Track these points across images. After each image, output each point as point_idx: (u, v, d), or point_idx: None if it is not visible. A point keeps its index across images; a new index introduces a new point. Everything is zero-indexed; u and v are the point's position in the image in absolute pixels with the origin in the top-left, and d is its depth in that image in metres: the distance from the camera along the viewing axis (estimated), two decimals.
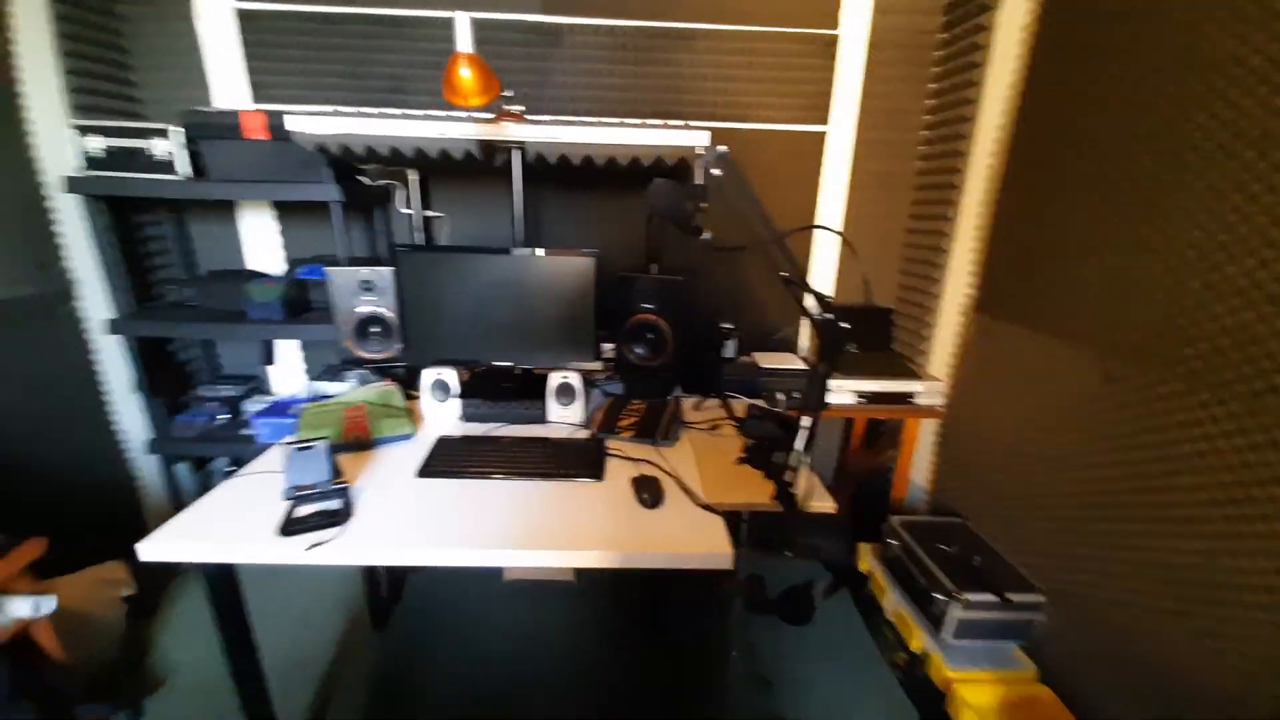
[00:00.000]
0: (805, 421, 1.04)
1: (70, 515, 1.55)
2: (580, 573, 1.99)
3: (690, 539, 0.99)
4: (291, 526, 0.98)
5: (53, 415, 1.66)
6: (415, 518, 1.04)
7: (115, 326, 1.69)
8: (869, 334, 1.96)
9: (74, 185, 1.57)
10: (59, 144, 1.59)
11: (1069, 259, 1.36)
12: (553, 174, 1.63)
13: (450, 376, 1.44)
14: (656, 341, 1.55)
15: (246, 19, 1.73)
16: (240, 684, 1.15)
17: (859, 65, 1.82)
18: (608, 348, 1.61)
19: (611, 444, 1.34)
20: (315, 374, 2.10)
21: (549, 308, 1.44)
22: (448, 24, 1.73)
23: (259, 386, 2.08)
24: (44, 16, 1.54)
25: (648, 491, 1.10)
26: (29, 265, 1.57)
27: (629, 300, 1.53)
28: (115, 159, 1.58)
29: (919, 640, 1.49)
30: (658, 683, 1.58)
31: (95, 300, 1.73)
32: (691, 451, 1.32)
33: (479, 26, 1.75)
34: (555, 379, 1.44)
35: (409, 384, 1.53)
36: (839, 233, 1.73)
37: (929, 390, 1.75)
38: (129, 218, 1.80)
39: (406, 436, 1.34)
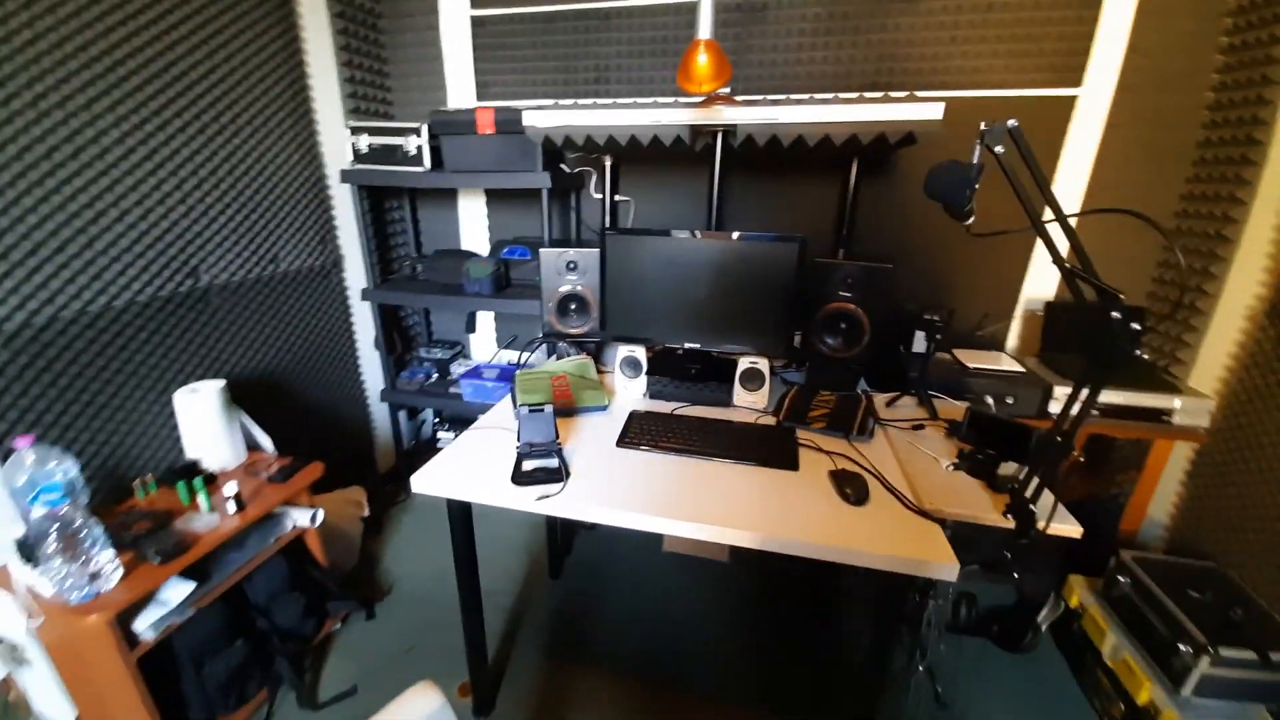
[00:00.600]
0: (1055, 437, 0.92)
1: (327, 444, 1.91)
2: (736, 554, 2.00)
3: (904, 543, 0.94)
4: (520, 477, 1.11)
5: (322, 362, 2.05)
6: (618, 483, 1.11)
7: (367, 294, 2.03)
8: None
9: (346, 176, 1.90)
10: (337, 142, 1.93)
11: None
12: (743, 157, 1.60)
13: (640, 354, 1.51)
14: (851, 332, 1.47)
15: (478, 24, 1.94)
16: (465, 599, 1.33)
17: (1127, 18, 1.52)
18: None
19: (801, 434, 1.31)
20: (504, 344, 2.34)
21: (745, 293, 1.43)
22: (653, 11, 1.79)
23: (462, 351, 2.38)
24: (329, 36, 1.87)
25: (850, 487, 1.06)
26: (314, 243, 1.95)
27: (824, 287, 1.47)
28: (376, 154, 1.87)
29: (1147, 693, 1.26)
30: (816, 674, 1.54)
31: (355, 271, 2.09)
32: (890, 451, 1.24)
33: (676, 10, 1.78)
34: (744, 363, 1.44)
35: (597, 359, 1.63)
36: (1147, 217, 1.48)
37: (1192, 409, 1.44)
38: (380, 203, 2.14)
39: (603, 408, 1.43)
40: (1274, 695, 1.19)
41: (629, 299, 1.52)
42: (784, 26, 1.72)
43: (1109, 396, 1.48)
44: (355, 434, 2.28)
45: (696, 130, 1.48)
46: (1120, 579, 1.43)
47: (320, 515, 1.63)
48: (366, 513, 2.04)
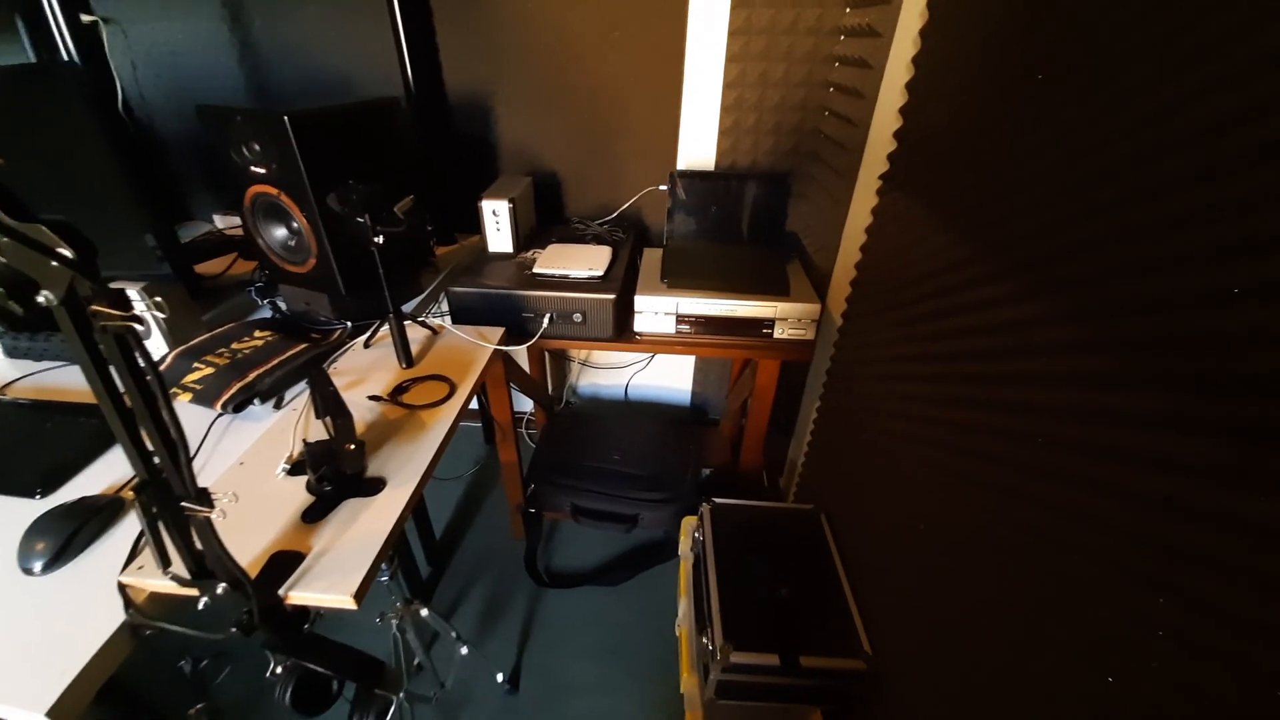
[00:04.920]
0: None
1: None
2: None
3: None
4: None
5: None
6: None
7: None
8: (753, 214, 1.27)
9: None
10: None
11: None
12: None
13: None
14: (301, 233, 0.94)
15: None
16: None
17: None
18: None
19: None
20: None
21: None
22: None
23: None
24: None
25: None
26: None
27: (240, 160, 0.90)
28: None
29: (686, 681, 1.05)
30: None
31: None
32: (276, 439, 0.80)
33: None
34: None
35: None
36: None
37: (794, 317, 1.08)
38: None
39: None
40: (811, 698, 0.93)
41: None
42: None
43: (707, 308, 1.08)
44: None
45: None
46: (696, 536, 1.16)
47: None
48: None
